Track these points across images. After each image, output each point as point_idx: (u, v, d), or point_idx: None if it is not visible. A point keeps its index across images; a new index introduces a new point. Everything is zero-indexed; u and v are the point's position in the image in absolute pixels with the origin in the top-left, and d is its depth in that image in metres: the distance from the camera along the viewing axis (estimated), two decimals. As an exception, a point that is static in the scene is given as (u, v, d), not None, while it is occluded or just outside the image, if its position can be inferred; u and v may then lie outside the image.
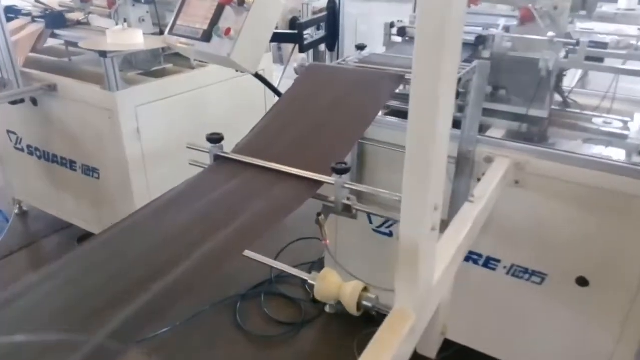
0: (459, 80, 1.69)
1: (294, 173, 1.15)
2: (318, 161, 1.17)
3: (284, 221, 1.08)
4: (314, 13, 4.69)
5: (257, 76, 1.79)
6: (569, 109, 2.28)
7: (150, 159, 2.80)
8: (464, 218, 1.54)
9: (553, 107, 2.23)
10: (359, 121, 1.34)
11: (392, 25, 2.25)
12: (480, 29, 2.15)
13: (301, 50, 1.86)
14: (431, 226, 1.01)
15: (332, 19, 2.03)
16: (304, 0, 4.72)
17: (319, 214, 1.15)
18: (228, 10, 1.69)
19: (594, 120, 2.11)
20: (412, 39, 2.23)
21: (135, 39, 2.55)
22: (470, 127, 1.94)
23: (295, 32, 1.85)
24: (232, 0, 1.65)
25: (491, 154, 1.96)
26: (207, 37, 1.70)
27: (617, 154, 1.96)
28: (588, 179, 1.81)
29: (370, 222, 2.43)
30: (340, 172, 1.08)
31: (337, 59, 2.03)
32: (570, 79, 2.54)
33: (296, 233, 3.37)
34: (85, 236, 3.30)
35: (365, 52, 1.96)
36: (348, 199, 1.11)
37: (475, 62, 1.81)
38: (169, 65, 3.00)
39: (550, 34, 1.91)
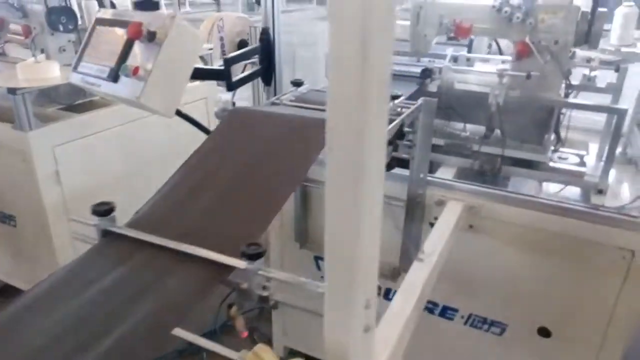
0: (403, 121, 1.52)
1: (199, 255, 0.92)
2: (232, 237, 0.95)
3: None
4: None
5: (179, 113, 1.56)
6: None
7: (74, 205, 2.50)
8: (412, 282, 1.36)
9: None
10: (286, 182, 1.13)
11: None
12: (427, 60, 2.01)
13: (229, 88, 1.66)
14: (363, 327, 0.81)
15: (266, 51, 1.84)
16: (252, 23, 4.56)
17: (230, 306, 0.93)
18: (138, 45, 1.46)
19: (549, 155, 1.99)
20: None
21: (50, 72, 2.28)
22: (419, 169, 1.77)
23: (222, 67, 1.64)
24: (141, 34, 1.42)
25: (443, 197, 1.80)
26: (114, 76, 1.47)
27: (576, 193, 1.84)
28: (545, 223, 1.67)
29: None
30: (253, 257, 0.86)
31: (275, 94, 1.83)
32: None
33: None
34: (5, 288, 2.95)
35: (303, 88, 1.77)
36: (264, 287, 0.89)
37: (421, 100, 1.65)
38: (96, 98, 2.72)
39: (500, 67, 1.77)
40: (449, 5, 1.99)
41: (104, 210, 1.01)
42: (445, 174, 2.01)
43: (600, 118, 2.21)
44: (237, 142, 1.24)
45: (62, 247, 2.49)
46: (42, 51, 2.56)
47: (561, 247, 1.68)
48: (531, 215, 1.68)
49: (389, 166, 1.46)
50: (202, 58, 3.14)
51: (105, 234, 1.02)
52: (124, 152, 2.66)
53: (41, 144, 2.32)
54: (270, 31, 1.82)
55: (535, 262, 1.75)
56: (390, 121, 1.50)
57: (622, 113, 1.66)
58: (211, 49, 3.49)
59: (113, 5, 3.05)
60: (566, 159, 1.96)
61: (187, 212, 1.05)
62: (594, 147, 2.18)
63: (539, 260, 1.74)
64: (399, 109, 1.61)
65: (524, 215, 1.69)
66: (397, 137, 1.68)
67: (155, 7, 1.43)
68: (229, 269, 0.89)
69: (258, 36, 4.79)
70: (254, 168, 1.14)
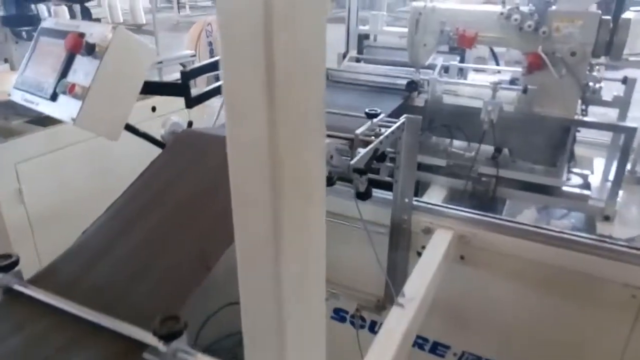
0: (381, 142, 1.33)
1: (108, 326, 0.75)
2: (151, 304, 0.78)
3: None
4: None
5: (129, 128, 1.39)
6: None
7: (39, 225, 2.33)
8: (391, 330, 1.17)
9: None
10: (225, 229, 0.95)
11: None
12: (413, 70, 1.82)
13: (188, 105, 1.48)
14: None
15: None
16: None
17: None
18: (79, 60, 1.29)
19: (550, 176, 1.80)
20: (336, 82, 1.89)
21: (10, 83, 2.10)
22: (403, 193, 1.59)
23: (179, 82, 1.46)
24: (80, 46, 1.25)
25: (431, 224, 1.62)
26: (52, 94, 1.29)
27: (579, 220, 1.65)
28: (544, 256, 1.48)
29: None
30: (168, 337, 0.68)
31: None
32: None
33: (227, 296, 2.93)
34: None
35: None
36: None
37: (403, 118, 1.47)
38: (66, 110, 2.55)
39: (491, 78, 1.59)
40: (451, 12, 1.79)
41: (5, 264, 0.84)
42: (435, 196, 1.83)
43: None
44: (177, 174, 1.06)
45: (28, 270, 2.32)
46: (6, 61, 2.40)
47: (563, 283, 1.49)
48: (529, 247, 1.49)
49: (366, 194, 1.29)
50: (182, 66, 2.98)
51: (7, 291, 0.84)
52: (94, 168, 2.49)
53: (2, 161, 2.15)
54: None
55: (535, 298, 1.56)
56: (367, 143, 1.32)
57: (630, 132, 1.47)
58: (194, 55, 3.31)
59: (87, 13, 2.90)
60: (568, 180, 1.77)
61: (101, 267, 0.88)
62: (599, 163, 1.99)
63: (539, 296, 1.55)
64: (377, 129, 1.43)
65: (520, 246, 1.50)
66: (377, 159, 1.50)
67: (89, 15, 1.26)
68: (143, 346, 0.71)
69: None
70: (191, 209, 0.97)
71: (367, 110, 1.43)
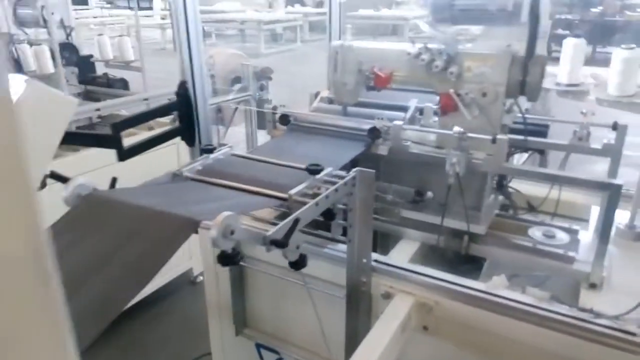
0: (317, 204, 1.18)
1: None
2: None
3: None
4: (260, 73, 4.31)
5: (54, 176, 1.28)
6: (500, 212, 1.76)
7: None
8: None
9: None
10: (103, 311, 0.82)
11: (274, 107, 1.78)
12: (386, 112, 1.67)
13: (120, 158, 1.37)
14: None
15: (185, 107, 1.55)
16: (244, 60, 4.35)
17: None
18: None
19: (532, 232, 1.60)
20: (300, 127, 1.76)
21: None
22: (360, 253, 1.43)
23: (110, 134, 1.35)
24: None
25: (391, 288, 1.44)
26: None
27: (563, 286, 1.45)
28: (517, 333, 1.28)
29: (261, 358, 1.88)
30: None
31: (200, 154, 1.53)
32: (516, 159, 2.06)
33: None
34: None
35: (221, 153, 1.47)
36: None
37: (355, 171, 1.32)
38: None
39: (456, 129, 1.42)
40: (366, 50, 1.70)
41: None
42: (404, 251, 1.65)
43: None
44: (68, 247, 0.94)
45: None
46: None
47: (539, 364, 1.29)
48: (500, 322, 1.30)
49: (298, 264, 1.13)
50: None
51: None
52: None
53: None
54: (190, 84, 1.55)
55: (508, 378, 1.35)
56: (304, 203, 1.18)
57: (615, 190, 1.28)
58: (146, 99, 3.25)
59: (68, 45, 2.88)
60: (552, 237, 1.57)
61: None
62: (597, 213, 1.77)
63: (512, 376, 1.34)
64: (320, 186, 1.28)
65: (490, 320, 1.31)
66: (326, 217, 1.35)
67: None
68: None
69: (250, 75, 4.58)
70: (79, 280, 0.85)
71: (308, 164, 1.29)
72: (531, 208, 1.95)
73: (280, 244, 0.99)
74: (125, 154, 1.38)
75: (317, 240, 1.56)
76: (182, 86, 1.54)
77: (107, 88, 3.10)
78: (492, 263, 1.60)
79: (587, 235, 1.62)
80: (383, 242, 1.84)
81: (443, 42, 1.50)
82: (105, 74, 3.21)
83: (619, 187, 1.27)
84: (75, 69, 3.01)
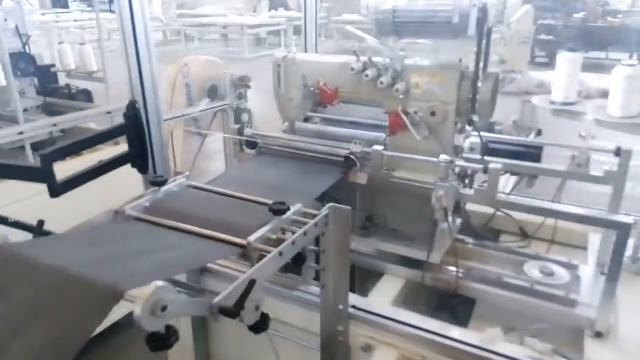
0: (281, 252, 1.00)
1: None
2: None
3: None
4: (238, 82, 4.11)
5: None
6: (490, 247, 1.60)
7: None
8: None
9: (469, 242, 1.58)
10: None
11: (240, 131, 1.59)
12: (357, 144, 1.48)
13: (53, 194, 1.17)
14: None
15: (135, 130, 1.36)
16: (222, 68, 4.15)
17: None
18: None
19: (527, 268, 1.44)
20: (270, 150, 1.57)
21: None
22: (335, 299, 1.25)
23: (40, 167, 1.15)
24: None
25: (372, 339, 1.26)
26: None
27: (564, 336, 1.28)
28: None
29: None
30: None
31: (151, 186, 1.33)
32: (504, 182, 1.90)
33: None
34: None
35: (175, 185, 1.27)
36: None
37: (328, 208, 1.14)
38: None
39: (443, 157, 1.25)
40: (310, 64, 1.56)
41: None
42: (387, 291, 1.47)
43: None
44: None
45: None
46: None
47: None
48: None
49: (259, 328, 0.95)
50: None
51: None
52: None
53: None
54: (141, 104, 1.35)
55: None
56: (266, 252, 0.99)
57: (624, 229, 1.11)
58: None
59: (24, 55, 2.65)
60: (550, 275, 1.41)
61: None
62: (596, 241, 1.61)
63: None
64: (286, 229, 1.10)
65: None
66: (295, 261, 1.16)
67: None
68: None
69: (228, 84, 4.38)
70: None
71: (271, 204, 1.10)
72: (524, 235, 1.80)
73: (231, 313, 0.80)
74: (59, 189, 1.18)
75: (287, 281, 1.38)
76: (132, 106, 1.35)
77: (69, 100, 2.88)
78: (484, 304, 1.43)
79: (588, 271, 1.46)
80: (361, 275, 1.65)
81: (389, 56, 1.35)
82: (68, 85, 2.99)
83: (629, 226, 1.11)
84: (34, 80, 2.79)
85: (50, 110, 2.91)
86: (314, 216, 1.14)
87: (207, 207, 1.21)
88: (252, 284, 0.83)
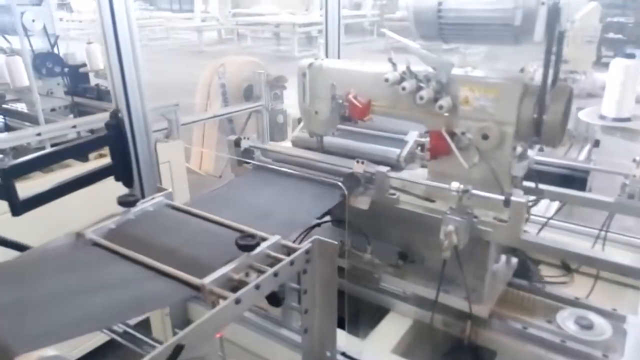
0: (261, 284, 0.84)
1: None
2: None
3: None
4: (273, 82, 4.00)
5: None
6: (520, 286, 1.36)
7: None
8: None
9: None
10: None
11: (236, 143, 1.44)
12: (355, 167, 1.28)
13: (15, 212, 1.07)
14: None
15: (117, 140, 1.24)
16: (258, 69, 4.05)
17: None
18: None
19: (561, 318, 1.20)
20: (265, 168, 1.42)
21: None
22: (321, 345, 1.07)
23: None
24: None
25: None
26: None
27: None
28: None
29: None
30: None
31: (143, 196, 1.23)
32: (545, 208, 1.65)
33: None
34: None
35: (151, 204, 1.15)
36: None
37: (312, 242, 0.97)
38: None
39: (455, 184, 1.04)
40: (340, 72, 1.34)
41: None
42: (391, 332, 1.28)
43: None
44: None
45: None
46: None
47: None
48: None
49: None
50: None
51: None
52: None
53: None
54: (124, 113, 1.24)
55: None
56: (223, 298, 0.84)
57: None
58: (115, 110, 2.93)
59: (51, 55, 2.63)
60: (589, 328, 1.16)
61: None
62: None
63: None
64: (256, 267, 0.94)
65: None
66: (271, 302, 1.00)
67: None
68: None
69: (263, 84, 4.26)
70: None
71: (239, 236, 0.94)
72: (566, 268, 1.54)
73: None
74: (21, 207, 1.08)
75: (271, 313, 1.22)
76: (114, 116, 1.23)
77: (97, 100, 2.86)
78: (506, 358, 1.21)
79: (637, 325, 1.20)
80: (363, 310, 1.46)
81: (432, 64, 1.13)
82: (97, 85, 2.98)
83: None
84: (65, 80, 2.78)
85: (78, 111, 2.90)
86: (292, 251, 0.97)
87: (178, 233, 1.07)
88: (179, 349, 0.67)
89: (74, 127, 2.37)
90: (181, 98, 2.83)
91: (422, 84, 1.13)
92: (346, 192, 1.18)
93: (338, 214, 1.31)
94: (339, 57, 2.30)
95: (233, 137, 1.45)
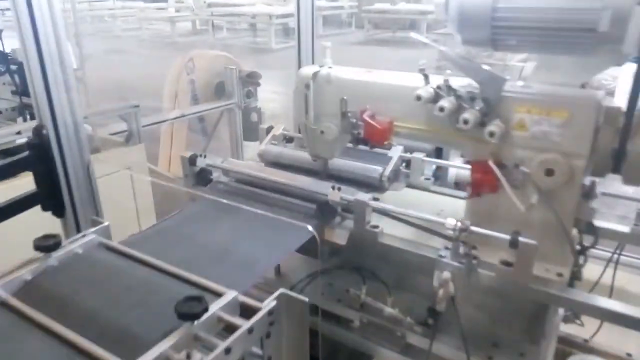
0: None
1: None
2: None
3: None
4: (246, 78, 3.76)
5: None
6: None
7: None
8: None
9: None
10: None
11: (191, 161, 1.22)
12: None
13: None
14: None
15: (43, 163, 1.02)
16: (230, 64, 3.81)
17: None
18: None
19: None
20: (227, 191, 1.21)
21: None
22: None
23: None
24: None
25: None
26: None
27: None
28: None
29: None
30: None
31: (78, 229, 1.01)
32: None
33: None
34: None
35: (86, 241, 0.93)
36: None
37: (276, 298, 0.77)
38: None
39: (451, 221, 0.85)
40: (355, 84, 1.08)
41: None
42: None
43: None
44: None
45: None
46: None
47: None
48: None
49: None
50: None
51: None
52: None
53: None
54: (49, 128, 1.01)
55: None
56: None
57: None
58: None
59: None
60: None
61: None
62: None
63: None
64: (202, 339, 0.73)
65: None
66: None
67: None
68: None
69: (235, 80, 4.01)
70: None
71: (179, 301, 0.73)
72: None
73: None
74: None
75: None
76: (37, 133, 1.01)
77: (50, 101, 2.59)
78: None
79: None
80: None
81: (476, 77, 0.91)
82: (49, 84, 2.70)
83: None
84: (8, 79, 2.52)
85: (30, 113, 2.63)
86: (253, 312, 0.77)
87: (109, 287, 0.86)
88: None
89: (19, 133, 2.11)
90: (149, 96, 2.60)
91: (464, 104, 0.90)
92: (314, 231, 0.97)
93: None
94: (312, 50, 2.07)
95: (187, 154, 1.23)
